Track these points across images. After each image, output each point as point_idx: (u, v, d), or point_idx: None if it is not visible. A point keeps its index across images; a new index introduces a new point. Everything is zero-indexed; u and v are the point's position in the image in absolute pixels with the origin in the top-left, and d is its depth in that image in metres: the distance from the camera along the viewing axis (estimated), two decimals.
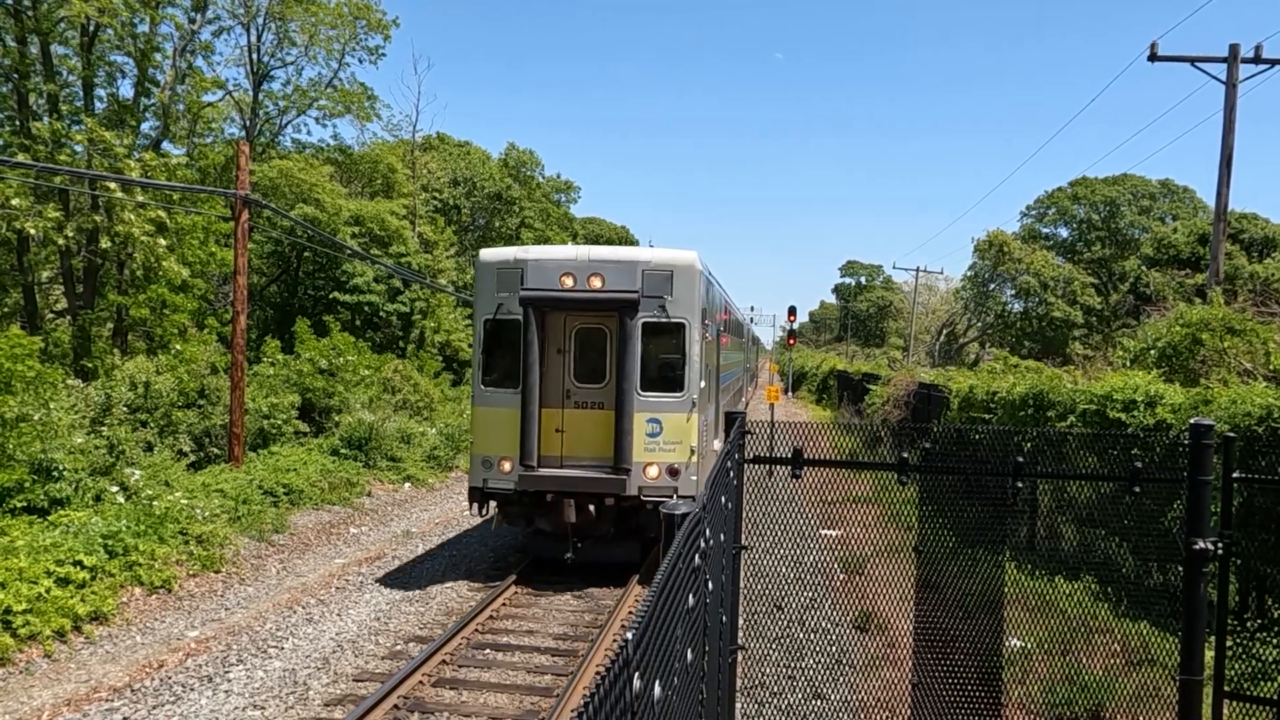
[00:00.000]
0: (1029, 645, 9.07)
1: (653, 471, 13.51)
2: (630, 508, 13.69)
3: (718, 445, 16.33)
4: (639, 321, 13.49)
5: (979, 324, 69.73)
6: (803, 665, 9.98)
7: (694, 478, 13.51)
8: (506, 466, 13.78)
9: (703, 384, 14.22)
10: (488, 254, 14.37)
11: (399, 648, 11.44)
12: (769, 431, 6.73)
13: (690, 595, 3.31)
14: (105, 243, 26.93)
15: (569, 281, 13.60)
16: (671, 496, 13.23)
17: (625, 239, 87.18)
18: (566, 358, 14.21)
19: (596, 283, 13.55)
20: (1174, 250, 45.05)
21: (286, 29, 37.56)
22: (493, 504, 14.14)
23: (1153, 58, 22.90)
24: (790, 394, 58.33)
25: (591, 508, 13.48)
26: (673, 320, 13.61)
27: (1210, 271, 23.84)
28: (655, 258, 13.75)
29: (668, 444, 13.52)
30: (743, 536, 6.55)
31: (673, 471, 13.50)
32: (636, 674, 2.04)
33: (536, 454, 13.67)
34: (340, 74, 39.83)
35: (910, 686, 6.93)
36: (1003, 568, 6.79)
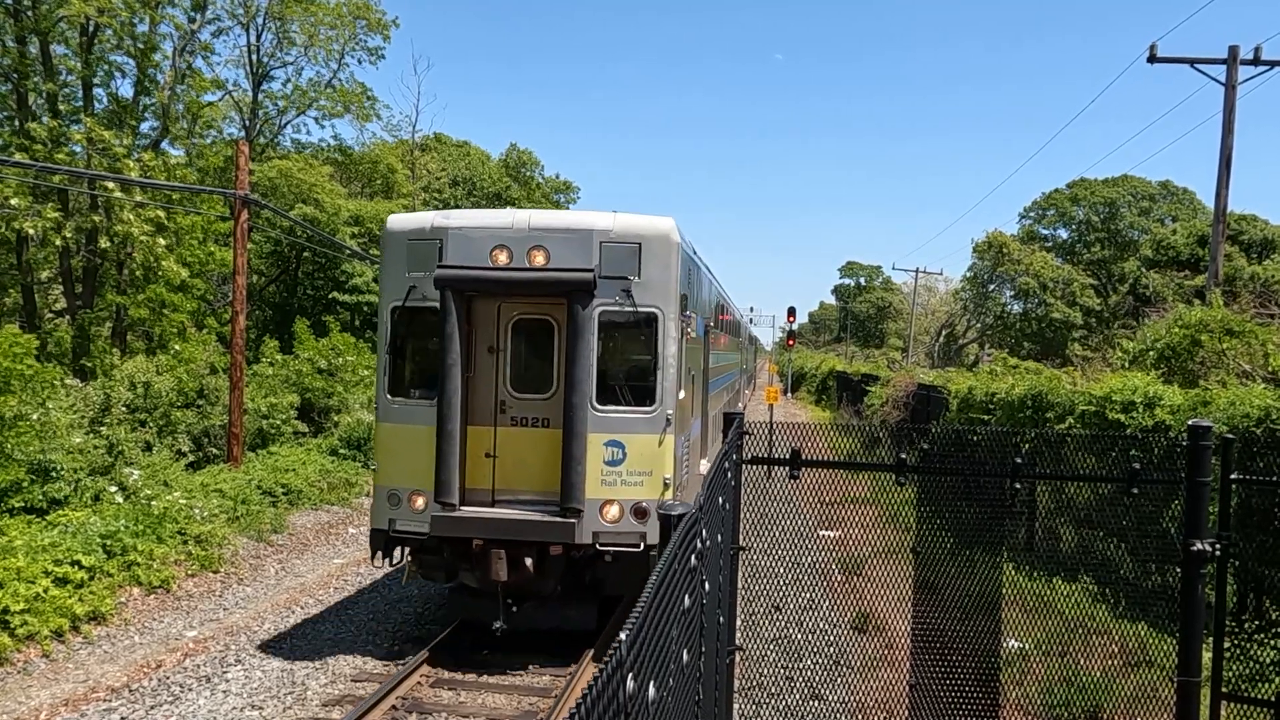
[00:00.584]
0: (1027, 646, 9.07)
1: (612, 512, 10.47)
2: (584, 559, 10.68)
3: (706, 467, 13.74)
4: (595, 311, 10.46)
5: (978, 325, 69.80)
6: (801, 666, 9.99)
7: None
8: (419, 503, 10.70)
9: (682, 394, 11.38)
10: (397, 221, 11.29)
11: (397, 648, 11.44)
12: (768, 432, 6.73)
13: (686, 596, 3.31)
14: (104, 242, 26.95)
15: (503, 257, 10.53)
16: (638, 545, 10.37)
17: None
18: (501, 359, 11.07)
19: (539, 259, 10.51)
20: (1173, 251, 45.08)
21: (286, 29, 37.58)
22: (405, 551, 11.20)
23: (1152, 59, 22.92)
24: (789, 395, 58.36)
25: (529, 560, 10.43)
26: (640, 309, 10.58)
27: (1209, 273, 23.86)
28: (618, 226, 10.67)
29: (633, 475, 10.53)
30: (741, 537, 6.56)
31: (639, 512, 10.47)
32: (630, 675, 2.03)
33: (458, 487, 10.56)
34: (340, 74, 39.86)
35: (908, 687, 6.93)
36: (1000, 569, 6.79)
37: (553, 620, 10.97)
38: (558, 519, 10.41)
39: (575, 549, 10.49)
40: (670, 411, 10.68)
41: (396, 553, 11.13)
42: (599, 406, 10.55)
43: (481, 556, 10.45)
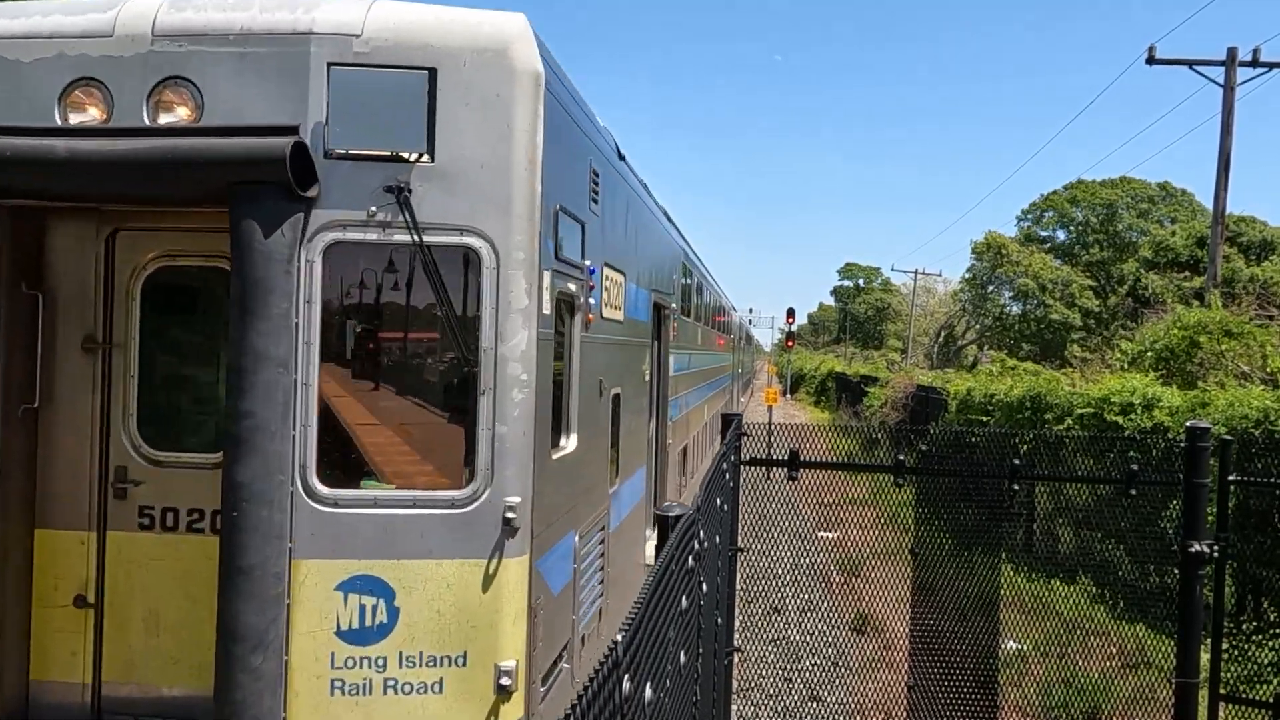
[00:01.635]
0: (1025, 648, 9.08)
1: None
2: None
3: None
4: (313, 239, 4.75)
5: (977, 326, 69.83)
6: (799, 667, 9.99)
7: None
8: None
9: (570, 444, 5.92)
10: None
11: None
12: (766, 434, 6.74)
13: (684, 597, 3.31)
14: None
15: (93, 106, 4.84)
16: None
17: None
18: (115, 366, 5.30)
19: (181, 109, 4.82)
20: (1172, 253, 45.13)
21: None
22: None
23: (1151, 61, 22.93)
24: (789, 396, 58.40)
25: None
26: (436, 235, 4.79)
27: (1208, 274, 23.88)
28: (375, 27, 4.81)
29: (415, 666, 4.76)
30: (740, 538, 6.57)
31: None
32: (626, 676, 2.04)
33: None
34: None
35: (906, 689, 6.94)
36: (999, 570, 6.80)
37: None
38: None
39: None
40: (514, 500, 4.81)
41: None
42: (322, 488, 4.76)
43: None
